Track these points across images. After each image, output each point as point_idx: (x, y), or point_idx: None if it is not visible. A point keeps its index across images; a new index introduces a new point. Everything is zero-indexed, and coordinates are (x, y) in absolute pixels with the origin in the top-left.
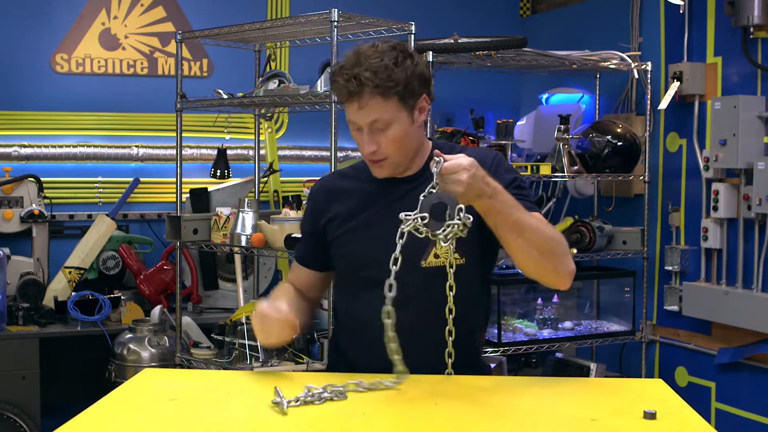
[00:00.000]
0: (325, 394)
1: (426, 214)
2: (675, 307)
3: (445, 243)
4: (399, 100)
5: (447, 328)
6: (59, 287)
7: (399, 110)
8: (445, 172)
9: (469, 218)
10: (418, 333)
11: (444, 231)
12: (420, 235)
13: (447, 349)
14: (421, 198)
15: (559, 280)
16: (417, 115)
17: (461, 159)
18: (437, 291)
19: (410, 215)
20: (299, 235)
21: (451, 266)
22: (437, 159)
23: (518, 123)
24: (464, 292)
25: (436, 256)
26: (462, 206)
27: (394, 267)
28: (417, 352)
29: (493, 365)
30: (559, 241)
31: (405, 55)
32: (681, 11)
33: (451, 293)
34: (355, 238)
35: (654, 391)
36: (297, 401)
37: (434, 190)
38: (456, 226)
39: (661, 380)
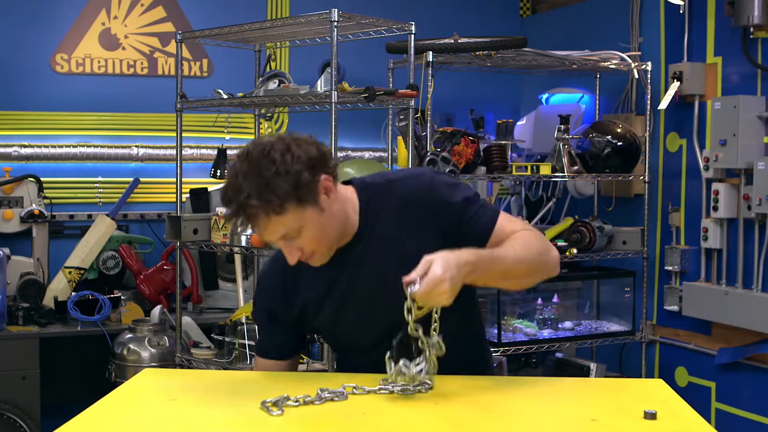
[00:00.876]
0: (326, 394)
1: (404, 363)
2: (675, 307)
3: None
4: (296, 206)
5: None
6: (59, 287)
7: (301, 213)
8: (425, 293)
9: (441, 347)
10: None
11: (418, 365)
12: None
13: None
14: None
15: (551, 275)
16: (324, 200)
17: (434, 269)
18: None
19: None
20: None
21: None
22: (410, 289)
23: (518, 123)
24: (454, 318)
25: (419, 308)
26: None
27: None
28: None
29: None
30: (539, 250)
31: (281, 153)
32: (681, 11)
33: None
34: (335, 321)
35: (654, 391)
36: (296, 401)
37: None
38: (433, 350)
39: (661, 380)
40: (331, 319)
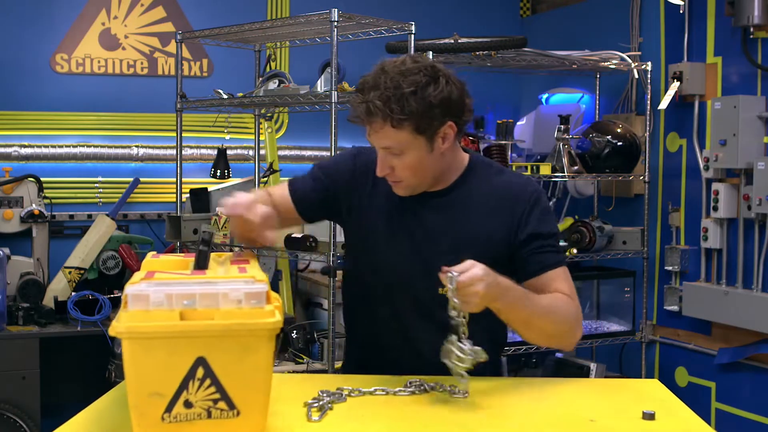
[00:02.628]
0: (324, 396)
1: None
2: (675, 307)
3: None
4: (413, 129)
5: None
6: (59, 287)
7: (413, 139)
8: (461, 287)
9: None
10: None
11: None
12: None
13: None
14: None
15: (565, 350)
16: (439, 143)
17: (475, 270)
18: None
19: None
20: (299, 235)
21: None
22: (450, 275)
23: (518, 123)
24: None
25: None
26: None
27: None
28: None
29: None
30: (568, 320)
31: (429, 81)
32: (681, 11)
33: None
34: (375, 242)
35: (651, 392)
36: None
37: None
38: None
39: (657, 380)
40: (374, 238)
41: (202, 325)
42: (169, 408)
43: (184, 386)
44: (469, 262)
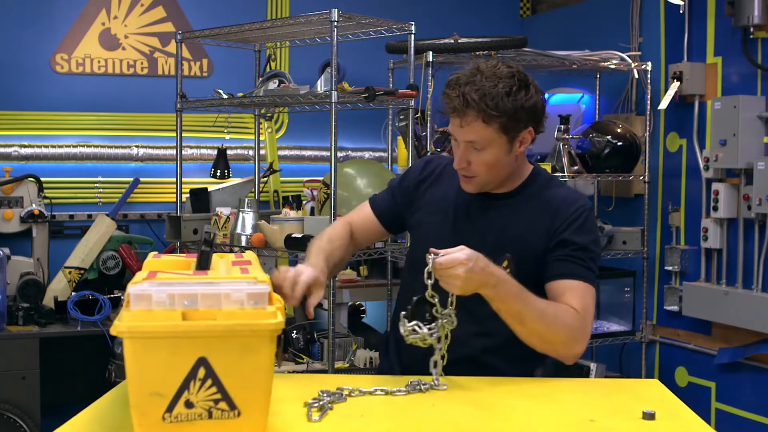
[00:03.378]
0: (324, 396)
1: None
2: (675, 307)
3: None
4: (500, 128)
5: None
6: (59, 287)
7: (498, 137)
8: (439, 267)
9: (453, 321)
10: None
11: (432, 330)
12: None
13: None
14: (413, 300)
15: (562, 359)
16: (517, 146)
17: (458, 254)
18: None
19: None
20: (299, 235)
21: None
22: (431, 256)
23: None
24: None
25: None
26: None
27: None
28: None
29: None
30: (565, 330)
31: (521, 86)
32: (681, 11)
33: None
34: (427, 234)
35: (651, 392)
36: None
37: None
38: (444, 322)
39: (656, 380)
40: (434, 230)
41: (203, 325)
42: (170, 408)
43: (185, 386)
44: (459, 247)
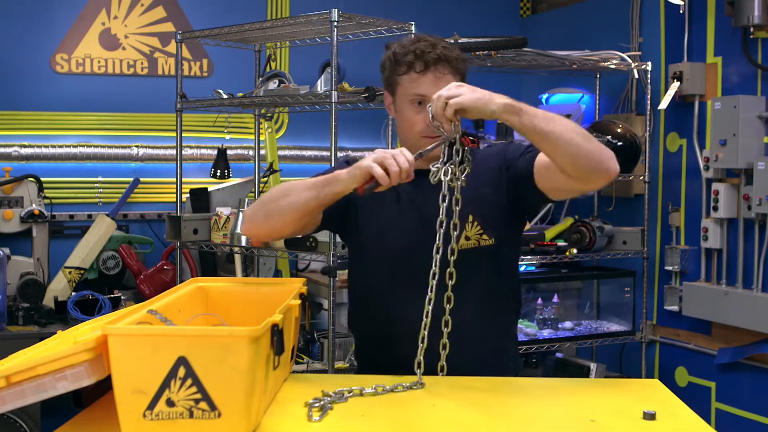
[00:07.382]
0: (324, 397)
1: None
2: (675, 307)
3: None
4: (461, 79)
5: (444, 318)
6: (59, 287)
7: None
8: (437, 98)
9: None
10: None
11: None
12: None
13: (442, 341)
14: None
15: (606, 172)
16: None
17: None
18: (468, 274)
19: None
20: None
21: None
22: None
23: None
24: (496, 279)
25: (467, 238)
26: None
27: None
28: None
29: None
30: (595, 142)
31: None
32: (681, 11)
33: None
34: (385, 226)
35: (651, 391)
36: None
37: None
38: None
39: (657, 380)
40: (382, 221)
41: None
42: (151, 405)
43: (166, 385)
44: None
